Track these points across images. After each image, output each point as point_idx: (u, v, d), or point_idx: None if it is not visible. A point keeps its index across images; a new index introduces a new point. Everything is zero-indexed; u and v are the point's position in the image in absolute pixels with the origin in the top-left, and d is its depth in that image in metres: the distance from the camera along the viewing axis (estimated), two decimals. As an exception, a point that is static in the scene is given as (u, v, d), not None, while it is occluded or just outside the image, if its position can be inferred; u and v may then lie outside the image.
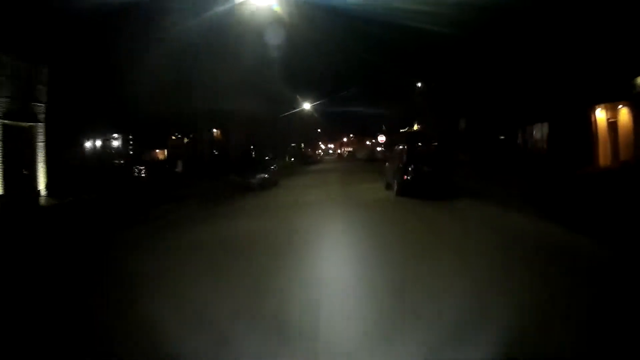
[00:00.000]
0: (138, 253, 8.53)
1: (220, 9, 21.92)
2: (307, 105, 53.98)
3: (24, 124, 18.11)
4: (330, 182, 24.22)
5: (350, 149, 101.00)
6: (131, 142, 29.21)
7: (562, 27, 17.05)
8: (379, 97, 48.44)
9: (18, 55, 17.40)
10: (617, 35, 15.13)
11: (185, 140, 36.97)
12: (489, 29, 19.82)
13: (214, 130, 40.91)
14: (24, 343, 4.41)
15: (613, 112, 17.29)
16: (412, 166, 14.43)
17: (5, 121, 16.74)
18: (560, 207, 10.26)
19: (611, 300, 4.68)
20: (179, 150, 33.13)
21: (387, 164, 18.05)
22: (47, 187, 18.69)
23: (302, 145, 75.68)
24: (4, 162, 16.47)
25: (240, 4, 20.40)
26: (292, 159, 59.64)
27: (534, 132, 21.68)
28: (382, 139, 50.20)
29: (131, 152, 28.77)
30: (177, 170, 27.72)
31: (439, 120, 26.69)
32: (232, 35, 26.15)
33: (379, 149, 60.91)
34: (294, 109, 51.24)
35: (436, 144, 16.35)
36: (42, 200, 17.95)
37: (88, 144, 27.59)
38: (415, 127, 46.66)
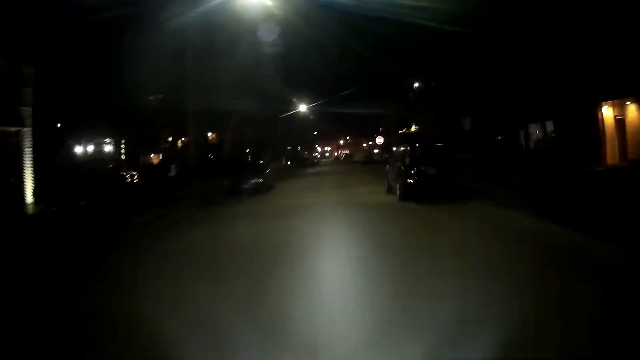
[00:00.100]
0: (116, 267, 7.96)
1: (215, 6, 21.33)
2: (303, 107, 53.42)
3: (9, 128, 17.41)
4: (328, 185, 23.47)
5: (347, 151, 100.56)
6: (123, 146, 28.49)
7: (566, 22, 16.53)
8: (376, 98, 47.86)
9: (2, 55, 16.69)
10: (624, 30, 14.63)
11: (180, 143, 36.37)
12: (490, 25, 19.27)
13: (210, 133, 40.36)
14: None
15: (621, 109, 16.80)
16: (416, 168, 13.66)
17: (-10, 125, 16.08)
18: (571, 209, 9.69)
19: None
20: (173, 153, 32.47)
21: (387, 166, 17.28)
22: (35, 193, 17.98)
23: (299, 147, 75.10)
24: (-12, 168, 15.79)
25: (236, 2, 19.79)
26: (289, 162, 59.09)
27: (538, 131, 21.15)
28: (380, 140, 49.65)
29: (123, 157, 28.05)
30: (170, 174, 27.09)
31: (440, 120, 26.10)
32: (227, 34, 25.58)
33: (376, 151, 60.46)
34: (291, 111, 50.67)
35: (441, 144, 15.55)
36: (30, 208, 17.24)
37: (79, 149, 26.89)
38: (413, 128, 46.19)
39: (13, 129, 17.56)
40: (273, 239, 9.53)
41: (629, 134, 16.42)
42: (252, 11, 22.84)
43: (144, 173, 26.89)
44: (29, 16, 17.74)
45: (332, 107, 58.89)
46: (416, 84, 41.35)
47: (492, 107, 22.34)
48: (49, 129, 20.49)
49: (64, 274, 7.73)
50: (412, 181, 13.58)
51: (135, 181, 25.14)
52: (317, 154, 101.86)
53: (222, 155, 31.65)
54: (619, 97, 16.36)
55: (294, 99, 50.12)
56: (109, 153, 28.48)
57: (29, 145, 18.45)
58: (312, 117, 64.99)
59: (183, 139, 32.98)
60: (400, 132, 47.93)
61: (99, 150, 27.96)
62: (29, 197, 17.91)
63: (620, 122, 16.78)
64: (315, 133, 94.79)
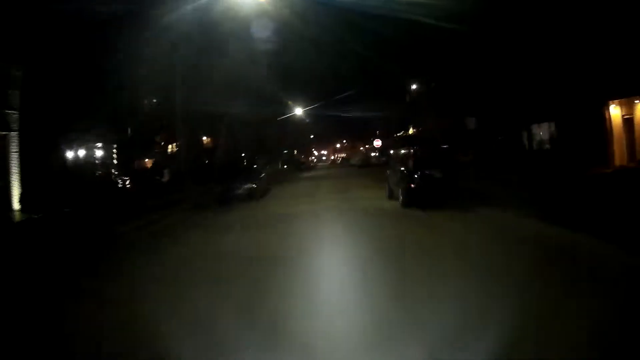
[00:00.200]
0: (95, 281, 7.48)
1: (209, 6, 20.79)
2: (299, 110, 52.87)
3: (-5, 132, 16.80)
4: (326, 190, 22.73)
5: (343, 154, 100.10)
6: (115, 151, 27.82)
7: (572, 19, 16.03)
8: (373, 100, 47.30)
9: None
10: (632, 27, 14.12)
11: (173, 148, 35.72)
12: (494, 23, 18.75)
13: (204, 136, 39.69)
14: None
15: (629, 107, 16.28)
16: (420, 172, 12.85)
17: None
18: (586, 213, 9.11)
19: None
20: (166, 158, 31.80)
21: (388, 170, 16.54)
22: (22, 200, 17.29)
23: (295, 151, 74.50)
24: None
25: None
26: (285, 166, 58.51)
27: (542, 131, 20.63)
28: (378, 143, 49.07)
29: (115, 162, 27.38)
30: (163, 180, 26.41)
31: (441, 121, 25.52)
32: (220, 34, 24.98)
33: (374, 154, 59.97)
34: (286, 113, 50.10)
35: (446, 146, 14.82)
36: (16, 215, 16.55)
37: (70, 154, 26.17)
38: (411, 130, 45.68)
39: (-1, 133, 16.95)
40: (264, 255, 8.40)
41: (637, 133, 15.90)
42: (246, 11, 22.32)
43: (136, 178, 26.16)
44: (16, 17, 17.15)
45: (328, 110, 58.34)
46: (414, 86, 40.85)
47: (496, 107, 21.78)
48: (37, 133, 19.76)
49: (44, 288, 7.26)
50: (415, 186, 12.76)
51: (127, 186, 24.43)
52: (313, 157, 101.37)
53: (217, 159, 30.99)
54: (627, 96, 15.83)
55: (290, 102, 49.57)
56: (100, 158, 27.75)
57: (16, 150, 17.84)
58: (308, 120, 64.37)
59: (177, 143, 32.39)
60: (397, 134, 47.43)
61: (90, 155, 27.24)
62: (16, 204, 17.26)
63: (628, 122, 16.25)
64: (312, 136, 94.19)
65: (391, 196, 15.35)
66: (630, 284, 5.13)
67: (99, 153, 27.89)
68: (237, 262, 8.02)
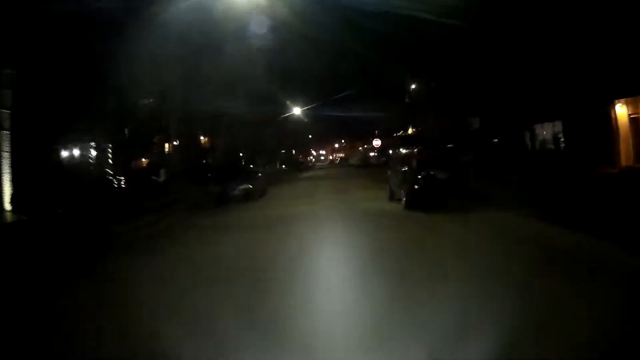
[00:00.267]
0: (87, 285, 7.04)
1: (206, 4, 20.43)
2: (297, 110, 52.47)
3: (-15, 131, 16.37)
4: (325, 190, 22.34)
5: (342, 154, 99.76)
6: (111, 151, 27.37)
7: (577, 16, 15.68)
8: (372, 100, 46.91)
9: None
10: (638, 23, 13.75)
11: (170, 147, 35.28)
12: (496, 21, 18.38)
13: (202, 136, 39.27)
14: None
15: (635, 106, 15.91)
16: (424, 173, 12.35)
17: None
18: (597, 216, 8.73)
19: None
20: (163, 157, 31.36)
21: (389, 171, 16.11)
22: (13, 201, 16.85)
23: (293, 151, 74.06)
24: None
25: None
26: (283, 166, 58.11)
27: (545, 131, 20.26)
28: (377, 143, 48.59)
29: (111, 161, 26.94)
30: (159, 180, 25.96)
31: (441, 121, 25.10)
32: (217, 33, 24.58)
33: (372, 154, 59.62)
34: (285, 113, 49.71)
35: (451, 145, 14.36)
36: (7, 216, 16.13)
37: (64, 153, 25.74)
38: (410, 130, 45.34)
39: (-12, 132, 16.53)
40: (259, 264, 7.62)
41: (644, 132, 15.55)
42: (244, 9, 21.99)
43: (132, 178, 25.70)
44: (9, 16, 16.77)
45: (327, 110, 57.97)
46: (414, 85, 40.45)
47: (498, 106, 21.39)
48: (30, 132, 19.34)
49: (30, 294, 6.86)
50: (419, 187, 12.23)
51: (123, 187, 23.99)
52: (312, 157, 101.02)
53: (215, 159, 30.55)
54: (633, 94, 15.45)
55: (288, 102, 49.19)
56: (95, 157, 27.31)
57: (7, 149, 17.41)
58: (306, 120, 63.98)
59: (175, 142, 31.96)
60: (396, 134, 47.07)
61: (85, 154, 26.82)
62: (7, 205, 16.82)
63: (635, 121, 15.87)
64: (310, 136, 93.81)
65: (392, 197, 14.93)
66: (632, 285, 5.09)
67: (94, 152, 27.46)
68: (230, 267, 7.60)
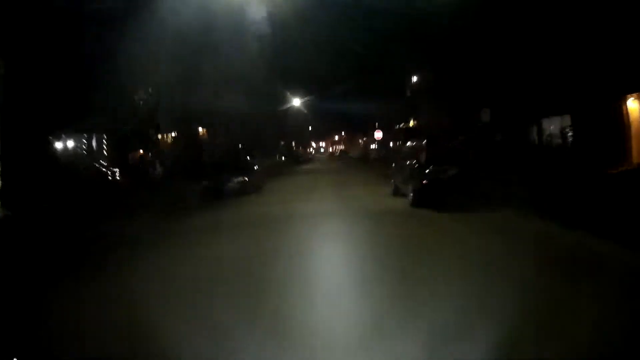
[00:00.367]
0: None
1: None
2: (297, 102, 51.87)
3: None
4: (325, 185, 21.70)
5: (342, 147, 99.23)
6: (105, 143, 26.77)
7: (588, 6, 15.04)
8: (373, 92, 46.11)
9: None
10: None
11: (168, 139, 34.69)
12: (503, 10, 17.72)
13: (200, 128, 38.67)
14: None
15: (649, 101, 15.31)
16: (434, 168, 11.56)
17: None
18: (622, 220, 8.17)
19: None
20: (159, 151, 30.77)
21: (394, 164, 15.44)
22: (2, 195, 16.28)
23: (293, 143, 73.48)
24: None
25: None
26: (283, 158, 57.57)
27: (552, 126, 19.63)
28: (378, 135, 47.78)
29: (106, 154, 26.35)
30: (156, 173, 25.42)
31: (448, 114, 24.38)
32: (215, 25, 23.95)
33: (372, 146, 59.00)
34: (284, 106, 49.11)
35: (462, 138, 13.49)
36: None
37: (59, 146, 25.13)
38: (412, 123, 44.68)
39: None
40: (244, 277, 6.40)
41: (658, 129, 14.95)
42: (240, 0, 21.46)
43: (127, 171, 25.10)
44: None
45: (327, 102, 57.40)
46: (417, 77, 39.70)
47: (505, 99, 20.69)
48: (22, 125, 18.76)
49: None
50: (428, 183, 11.43)
51: (117, 180, 23.40)
52: (311, 149, 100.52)
53: (212, 152, 29.91)
54: (646, 89, 14.85)
55: (288, 94, 48.57)
56: (91, 150, 26.71)
57: (-4, 141, 16.89)
58: (306, 112, 63.35)
59: (168, 135, 31.38)
60: (399, 126, 46.38)
61: (79, 147, 26.22)
62: (-4, 199, 16.27)
63: (647, 117, 15.29)
64: (310, 128, 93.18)
65: (396, 193, 14.25)
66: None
67: (89, 145, 26.87)
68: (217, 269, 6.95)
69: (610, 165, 14.76)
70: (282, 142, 64.85)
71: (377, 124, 53.61)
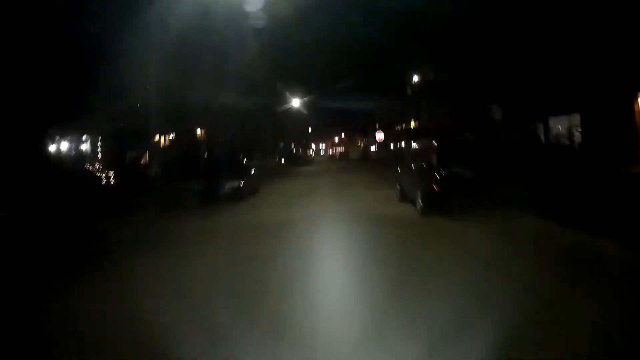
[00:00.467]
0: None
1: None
2: (296, 102, 51.32)
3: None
4: (325, 188, 20.86)
5: (342, 148, 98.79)
6: (100, 144, 26.17)
7: (599, 2, 14.49)
8: (372, 93, 45.59)
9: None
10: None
11: (165, 140, 34.13)
12: (511, 5, 17.14)
13: (199, 129, 38.11)
14: None
15: (663, 99, 14.71)
16: (446, 171, 10.44)
17: None
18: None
19: None
20: (154, 152, 30.15)
21: (399, 167, 14.53)
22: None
23: (293, 145, 72.81)
24: None
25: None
26: (282, 160, 56.84)
27: (560, 125, 19.04)
28: (380, 136, 47.09)
29: (100, 155, 25.74)
30: (150, 174, 24.80)
31: (450, 112, 23.73)
32: (215, 24, 23.40)
33: (373, 148, 58.44)
34: (284, 106, 48.56)
35: (470, 135, 12.41)
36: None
37: (53, 148, 24.61)
38: (412, 124, 44.14)
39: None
40: (241, 288, 5.90)
41: (671, 128, 14.35)
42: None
43: (121, 173, 24.49)
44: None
45: (327, 104, 56.98)
46: (420, 76, 39.11)
47: (513, 97, 20.03)
48: (13, 126, 18.24)
49: None
50: (440, 188, 10.31)
51: (112, 182, 22.80)
52: (311, 151, 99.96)
53: (207, 153, 29.31)
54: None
55: (287, 94, 48.02)
56: (84, 151, 26.17)
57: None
58: (305, 113, 62.70)
59: (171, 135, 30.80)
60: (400, 127, 45.83)
61: (74, 149, 25.66)
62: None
63: (660, 116, 14.69)
64: (310, 130, 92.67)
65: (403, 198, 13.31)
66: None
67: (83, 147, 26.32)
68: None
69: (622, 166, 14.20)
70: (282, 144, 64.21)
71: (377, 125, 53.05)
